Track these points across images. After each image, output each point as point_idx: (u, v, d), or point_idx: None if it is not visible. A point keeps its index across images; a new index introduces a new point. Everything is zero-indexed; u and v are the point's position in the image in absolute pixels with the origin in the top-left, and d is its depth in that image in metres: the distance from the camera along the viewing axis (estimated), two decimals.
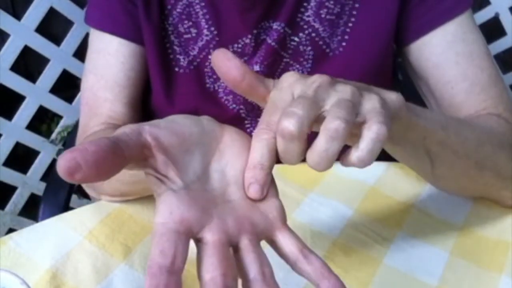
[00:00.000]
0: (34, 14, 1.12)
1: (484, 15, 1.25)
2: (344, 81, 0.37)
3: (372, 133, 0.33)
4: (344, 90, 0.34)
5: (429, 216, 0.59)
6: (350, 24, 0.63)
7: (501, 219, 0.59)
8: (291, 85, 0.36)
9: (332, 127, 0.32)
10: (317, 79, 0.35)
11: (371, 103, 0.34)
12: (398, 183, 0.63)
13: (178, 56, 0.64)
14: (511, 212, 0.59)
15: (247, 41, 0.63)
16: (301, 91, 0.35)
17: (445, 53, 0.62)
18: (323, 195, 0.61)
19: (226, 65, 0.35)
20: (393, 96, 0.38)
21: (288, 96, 0.35)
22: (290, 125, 0.32)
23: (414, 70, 0.66)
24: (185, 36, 0.64)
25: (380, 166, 0.65)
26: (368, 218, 0.58)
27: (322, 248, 0.54)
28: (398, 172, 0.64)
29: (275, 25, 0.62)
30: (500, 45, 1.27)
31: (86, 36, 1.28)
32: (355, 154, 0.34)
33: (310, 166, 0.34)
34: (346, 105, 0.33)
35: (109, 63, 0.64)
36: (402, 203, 0.61)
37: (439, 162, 0.49)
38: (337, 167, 0.69)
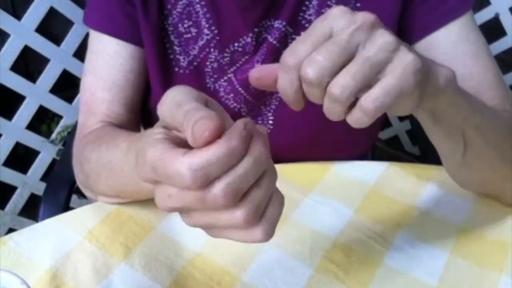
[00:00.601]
0: (34, 14, 1.12)
1: (484, 15, 1.25)
2: (388, 30, 0.36)
3: (384, 84, 0.34)
4: (381, 40, 0.34)
5: (429, 217, 0.59)
6: None
7: (501, 219, 0.59)
8: (334, 19, 0.36)
9: (332, 92, 0.33)
10: (360, 19, 0.35)
11: (402, 62, 0.34)
12: (398, 183, 0.63)
13: (178, 56, 0.64)
14: (511, 212, 0.59)
15: (248, 40, 0.62)
16: (340, 29, 0.35)
17: (450, 53, 0.62)
18: (323, 195, 0.61)
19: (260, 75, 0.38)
20: (444, 71, 0.39)
21: (326, 29, 0.35)
22: (309, 72, 0.33)
23: None
24: (185, 36, 0.64)
25: (380, 166, 0.65)
26: (368, 218, 0.58)
27: (322, 248, 0.54)
28: (398, 172, 0.64)
29: (276, 24, 0.62)
30: (500, 45, 1.27)
31: (86, 36, 1.27)
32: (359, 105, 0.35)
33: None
34: (364, 68, 0.33)
35: (108, 64, 0.64)
36: (402, 204, 0.61)
37: (471, 148, 0.49)
38: (337, 167, 0.70)
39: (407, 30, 0.64)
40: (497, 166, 0.54)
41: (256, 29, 0.62)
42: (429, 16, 0.62)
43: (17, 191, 1.25)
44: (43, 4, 1.13)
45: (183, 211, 0.31)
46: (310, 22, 0.63)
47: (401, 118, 1.64)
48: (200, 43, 0.64)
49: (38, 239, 0.53)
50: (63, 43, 1.21)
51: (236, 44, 0.63)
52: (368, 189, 0.62)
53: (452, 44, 0.62)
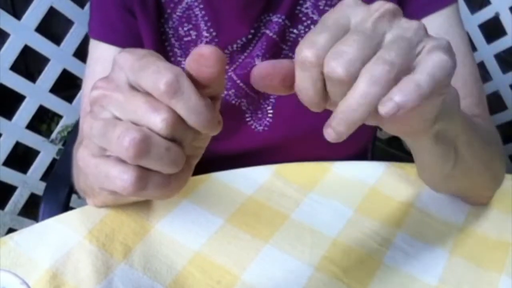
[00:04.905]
0: (34, 14, 1.12)
1: (484, 14, 1.25)
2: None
3: (432, 60, 0.29)
4: (408, 26, 0.31)
5: (429, 216, 0.59)
6: None
7: (501, 219, 0.59)
8: (350, 9, 0.31)
9: (374, 72, 0.28)
10: (381, 7, 0.31)
11: (435, 43, 0.30)
12: (398, 183, 0.63)
13: (179, 58, 0.65)
14: (511, 212, 0.59)
15: (250, 36, 0.63)
16: (360, 19, 0.31)
17: None
18: (323, 195, 0.61)
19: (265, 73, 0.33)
20: (453, 91, 0.36)
21: (343, 19, 0.31)
22: (336, 67, 0.28)
23: None
24: (185, 39, 0.64)
25: (380, 166, 0.65)
26: (368, 218, 0.58)
27: (322, 248, 0.54)
28: (398, 172, 0.64)
29: (275, 18, 0.62)
30: (500, 45, 1.27)
31: (86, 36, 1.28)
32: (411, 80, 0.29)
33: (344, 113, 0.29)
34: (401, 46, 0.29)
35: (106, 70, 0.64)
36: (402, 203, 0.61)
37: (460, 162, 0.48)
38: (337, 167, 0.70)
39: None
40: (479, 175, 0.53)
41: (255, 24, 0.62)
42: (417, 3, 0.62)
43: (17, 191, 1.25)
44: (43, 4, 1.13)
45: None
46: (307, 15, 0.63)
47: None
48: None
49: (38, 239, 0.53)
50: (63, 43, 1.21)
51: (234, 45, 0.63)
52: (368, 189, 0.62)
53: (434, 34, 0.62)
